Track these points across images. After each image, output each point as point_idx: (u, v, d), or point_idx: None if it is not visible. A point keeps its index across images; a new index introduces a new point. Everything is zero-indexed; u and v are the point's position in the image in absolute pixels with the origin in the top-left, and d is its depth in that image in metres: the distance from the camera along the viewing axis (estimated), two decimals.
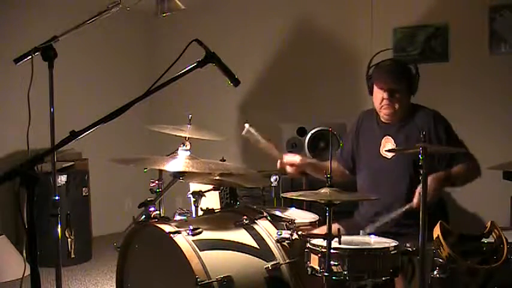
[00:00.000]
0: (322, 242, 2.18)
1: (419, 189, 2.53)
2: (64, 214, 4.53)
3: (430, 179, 2.40)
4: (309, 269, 2.22)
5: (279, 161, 2.96)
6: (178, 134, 2.74)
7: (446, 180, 2.57)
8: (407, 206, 2.53)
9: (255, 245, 2.35)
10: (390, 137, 2.77)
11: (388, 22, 4.92)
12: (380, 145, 2.79)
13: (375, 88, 2.76)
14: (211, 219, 2.57)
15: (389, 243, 2.27)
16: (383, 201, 2.63)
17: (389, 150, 2.72)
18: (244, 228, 2.42)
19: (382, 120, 2.83)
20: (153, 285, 2.41)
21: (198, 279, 2.07)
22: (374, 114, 2.88)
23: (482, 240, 2.23)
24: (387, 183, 2.74)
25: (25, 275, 2.13)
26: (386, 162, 2.75)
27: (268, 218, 2.52)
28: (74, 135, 1.67)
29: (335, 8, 5.23)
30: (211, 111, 5.62)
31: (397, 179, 2.71)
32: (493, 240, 2.20)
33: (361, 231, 2.45)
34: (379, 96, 2.73)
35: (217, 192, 3.27)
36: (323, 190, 2.16)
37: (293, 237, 2.40)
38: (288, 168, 2.95)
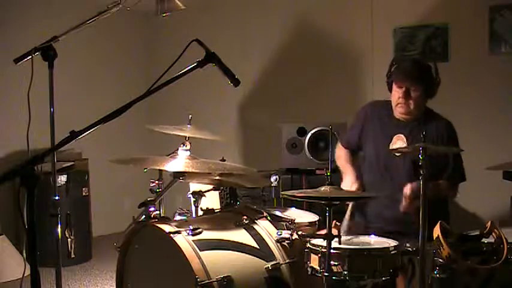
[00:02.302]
0: (322, 242, 2.18)
1: (405, 190, 2.54)
2: (64, 214, 4.53)
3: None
4: (309, 269, 2.22)
5: None
6: (178, 134, 2.74)
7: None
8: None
9: (255, 245, 2.35)
10: (403, 136, 2.76)
11: (388, 22, 4.92)
12: (391, 141, 2.78)
13: (394, 86, 2.78)
14: (211, 219, 2.57)
15: (389, 243, 2.27)
16: (389, 199, 2.63)
17: (390, 150, 2.72)
18: (244, 228, 2.42)
19: (397, 117, 2.83)
20: (153, 285, 2.41)
21: (198, 279, 2.07)
22: (388, 107, 2.85)
23: (482, 240, 2.23)
24: (393, 181, 2.73)
25: (25, 275, 2.13)
26: (394, 160, 2.74)
27: (268, 218, 2.52)
28: (74, 135, 1.67)
29: (335, 8, 5.22)
30: (211, 111, 5.62)
31: (403, 179, 2.70)
32: (493, 240, 2.20)
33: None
34: (396, 94, 2.76)
35: (217, 192, 3.27)
36: (323, 188, 2.16)
37: (293, 237, 2.40)
38: None
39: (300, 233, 2.43)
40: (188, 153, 2.57)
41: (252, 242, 2.36)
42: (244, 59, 5.31)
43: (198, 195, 2.83)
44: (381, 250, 2.21)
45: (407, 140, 2.75)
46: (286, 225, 2.49)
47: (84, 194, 4.84)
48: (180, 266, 2.15)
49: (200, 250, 2.19)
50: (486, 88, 4.57)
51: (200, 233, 2.28)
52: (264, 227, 2.45)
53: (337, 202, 2.12)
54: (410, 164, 2.67)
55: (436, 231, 2.18)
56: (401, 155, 2.73)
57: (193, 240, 2.22)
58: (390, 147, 2.78)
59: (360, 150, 2.98)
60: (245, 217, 2.47)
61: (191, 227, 2.26)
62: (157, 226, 2.31)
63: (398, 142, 2.76)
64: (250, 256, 2.30)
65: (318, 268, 2.17)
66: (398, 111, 2.78)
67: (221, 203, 3.36)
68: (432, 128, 2.72)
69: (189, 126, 2.83)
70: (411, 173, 2.66)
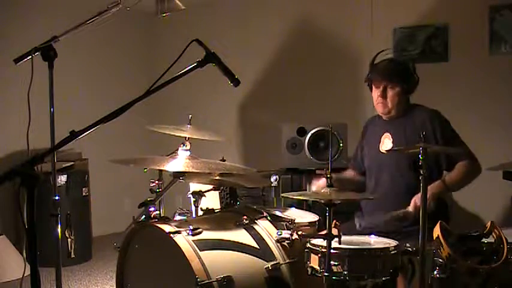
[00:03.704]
0: (322, 242, 2.18)
1: (416, 197, 2.56)
2: (64, 214, 4.53)
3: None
4: (309, 269, 2.22)
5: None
6: (178, 134, 2.74)
7: (441, 192, 2.64)
8: (402, 210, 2.57)
9: (255, 245, 2.35)
10: (389, 133, 2.82)
11: (388, 22, 4.92)
12: (380, 141, 2.85)
13: (373, 86, 2.86)
14: (211, 219, 2.57)
15: (390, 243, 2.28)
16: (383, 197, 2.65)
17: (388, 151, 2.74)
18: (244, 228, 2.42)
19: (383, 118, 2.89)
20: (153, 285, 2.41)
21: (198, 279, 2.07)
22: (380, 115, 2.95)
23: (482, 240, 2.23)
24: (386, 179, 2.77)
25: (25, 275, 2.13)
26: (384, 158, 2.79)
27: (268, 218, 2.52)
28: (74, 135, 1.67)
29: (335, 8, 5.23)
30: (211, 111, 5.62)
31: (395, 175, 2.74)
32: (493, 240, 2.20)
33: None
34: (375, 93, 2.84)
35: (217, 192, 3.27)
36: (323, 190, 2.16)
37: (293, 237, 2.40)
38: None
39: (300, 233, 2.43)
40: (188, 153, 2.57)
41: (252, 242, 2.36)
42: (244, 59, 5.31)
43: (198, 195, 2.82)
44: (381, 250, 2.21)
45: (392, 137, 2.79)
46: (286, 225, 2.49)
47: (84, 194, 4.84)
48: (180, 266, 2.15)
49: (200, 250, 2.19)
50: (486, 88, 4.57)
51: (200, 233, 2.28)
52: (264, 227, 2.45)
53: (337, 202, 2.12)
54: (400, 162, 2.70)
55: (436, 231, 2.18)
56: (387, 153, 2.77)
57: (193, 240, 2.22)
58: (380, 147, 2.83)
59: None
60: (245, 217, 2.47)
61: (191, 227, 2.26)
62: (157, 226, 2.31)
63: (385, 141, 2.82)
64: (250, 256, 2.30)
65: (318, 268, 2.17)
66: (378, 110, 2.86)
67: (221, 203, 3.36)
68: (416, 121, 2.75)
69: (188, 126, 2.83)
70: (402, 170, 2.70)
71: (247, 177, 2.99)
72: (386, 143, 2.81)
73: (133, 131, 5.48)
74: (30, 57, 2.38)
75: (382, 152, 2.81)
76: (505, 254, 2.10)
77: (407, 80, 2.78)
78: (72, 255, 4.65)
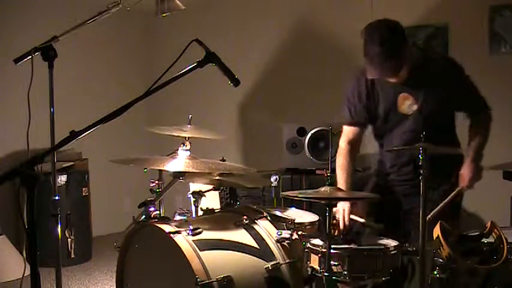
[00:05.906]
0: (322, 242, 2.18)
1: (463, 171, 2.51)
2: (64, 214, 4.53)
3: (468, 168, 2.51)
4: (309, 269, 2.22)
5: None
6: (178, 134, 2.74)
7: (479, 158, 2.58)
8: (455, 192, 2.50)
9: (255, 245, 2.35)
10: (407, 94, 2.60)
11: None
12: (397, 103, 2.63)
13: None
14: (211, 219, 2.57)
15: (389, 243, 2.28)
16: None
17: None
18: (244, 228, 2.42)
19: None
20: (153, 285, 2.41)
21: (198, 279, 2.07)
22: None
23: (482, 240, 2.23)
24: (407, 141, 2.60)
25: (25, 275, 2.13)
26: (405, 120, 2.62)
27: (268, 218, 2.52)
28: (74, 135, 1.67)
29: (335, 8, 5.22)
30: (211, 111, 5.61)
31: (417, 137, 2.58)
32: (493, 240, 2.21)
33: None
34: None
35: (217, 192, 3.27)
36: (323, 189, 2.16)
37: (293, 237, 2.40)
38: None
39: (300, 233, 2.43)
40: (188, 153, 2.57)
41: (252, 242, 2.36)
42: (244, 59, 5.31)
43: (198, 195, 2.83)
44: (381, 250, 2.21)
45: (413, 97, 2.59)
46: (286, 225, 2.49)
47: (84, 194, 4.84)
48: (180, 266, 2.15)
49: (200, 250, 2.19)
50: (486, 88, 4.55)
51: (200, 233, 2.28)
52: (264, 227, 2.45)
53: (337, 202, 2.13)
54: (422, 123, 2.56)
55: (436, 231, 2.18)
56: (412, 114, 2.60)
57: (193, 240, 2.22)
58: (399, 109, 2.64)
59: (367, 123, 2.80)
60: (245, 217, 2.47)
61: (191, 227, 2.26)
62: (157, 226, 2.31)
63: (406, 102, 2.61)
64: (250, 256, 2.30)
65: (318, 268, 2.17)
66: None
67: (221, 203, 3.36)
68: (432, 72, 2.58)
69: (189, 126, 2.83)
70: (415, 131, 2.53)
71: (247, 177, 2.99)
72: (407, 105, 2.61)
73: (134, 131, 5.47)
74: (30, 57, 2.39)
75: (403, 113, 2.61)
76: (505, 254, 2.10)
77: (402, 46, 2.53)
78: (72, 255, 4.65)
